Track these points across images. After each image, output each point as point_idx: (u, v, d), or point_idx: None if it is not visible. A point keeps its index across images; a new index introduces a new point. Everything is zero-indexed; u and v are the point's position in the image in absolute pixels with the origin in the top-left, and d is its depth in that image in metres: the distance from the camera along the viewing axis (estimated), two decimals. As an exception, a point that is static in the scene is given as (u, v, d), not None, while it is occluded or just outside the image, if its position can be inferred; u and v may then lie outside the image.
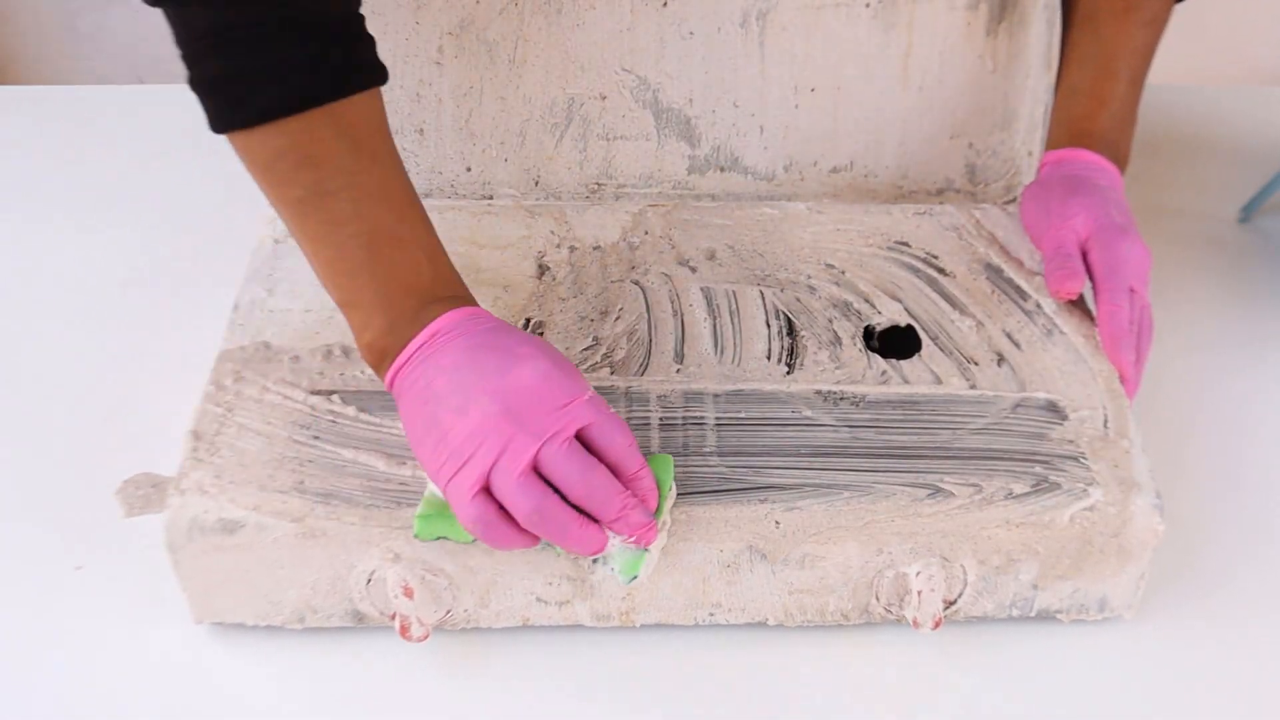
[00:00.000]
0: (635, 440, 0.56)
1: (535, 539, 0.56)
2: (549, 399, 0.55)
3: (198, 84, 0.57)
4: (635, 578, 0.57)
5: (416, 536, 0.58)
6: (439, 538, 0.58)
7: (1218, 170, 0.95)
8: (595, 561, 0.59)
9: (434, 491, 0.58)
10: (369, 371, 0.66)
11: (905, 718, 0.61)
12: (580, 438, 0.55)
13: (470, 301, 0.60)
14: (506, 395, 0.55)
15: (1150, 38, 0.76)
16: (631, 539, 0.56)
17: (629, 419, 0.64)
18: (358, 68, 0.58)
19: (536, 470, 0.54)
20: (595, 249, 0.74)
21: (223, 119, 0.57)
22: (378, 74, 0.59)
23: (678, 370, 0.67)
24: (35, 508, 0.69)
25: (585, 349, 0.68)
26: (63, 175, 0.93)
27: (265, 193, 0.59)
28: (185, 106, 0.98)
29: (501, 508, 0.55)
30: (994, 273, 0.73)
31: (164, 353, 0.77)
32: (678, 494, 0.59)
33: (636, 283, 0.72)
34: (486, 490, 0.55)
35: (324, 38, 0.57)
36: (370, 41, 0.59)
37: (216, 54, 0.55)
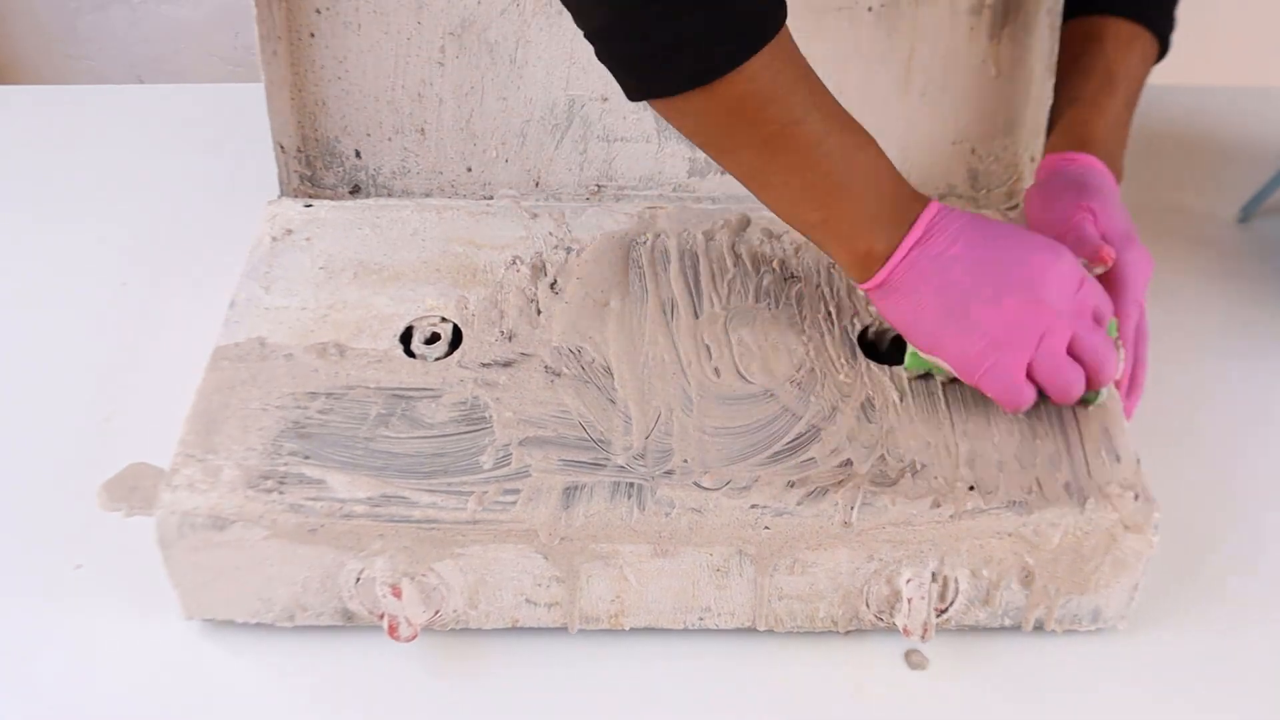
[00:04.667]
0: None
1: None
2: (1069, 281, 0.61)
3: (641, 55, 0.56)
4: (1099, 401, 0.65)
5: (907, 369, 0.65)
6: (927, 370, 0.65)
7: (1218, 170, 0.95)
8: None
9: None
10: (365, 371, 0.66)
11: (894, 726, 0.60)
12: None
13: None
14: (1034, 284, 0.60)
15: (1144, 72, 0.78)
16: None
17: (626, 419, 0.64)
18: None
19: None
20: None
21: (683, 79, 0.56)
22: None
23: (674, 372, 0.66)
24: (35, 507, 0.69)
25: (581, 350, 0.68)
26: (63, 175, 0.93)
27: (718, 146, 0.60)
28: (185, 106, 0.99)
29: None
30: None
31: (163, 351, 0.78)
32: None
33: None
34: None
35: None
36: None
37: (661, 19, 0.54)
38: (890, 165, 0.62)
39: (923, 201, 0.62)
